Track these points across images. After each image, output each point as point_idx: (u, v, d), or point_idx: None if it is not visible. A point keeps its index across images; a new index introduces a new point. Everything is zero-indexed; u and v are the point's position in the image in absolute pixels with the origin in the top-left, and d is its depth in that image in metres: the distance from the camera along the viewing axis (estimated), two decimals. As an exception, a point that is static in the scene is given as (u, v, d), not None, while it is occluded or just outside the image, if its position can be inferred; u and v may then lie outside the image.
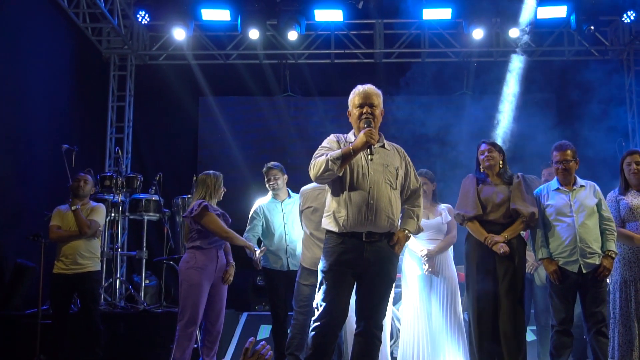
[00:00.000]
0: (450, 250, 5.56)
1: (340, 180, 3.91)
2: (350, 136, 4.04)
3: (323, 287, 3.89)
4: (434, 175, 5.66)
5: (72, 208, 5.68)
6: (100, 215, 5.89)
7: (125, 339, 6.53)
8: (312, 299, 4.41)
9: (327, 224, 3.98)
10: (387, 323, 5.41)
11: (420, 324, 5.35)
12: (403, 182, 4.04)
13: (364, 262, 3.85)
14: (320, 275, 3.95)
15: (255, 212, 5.82)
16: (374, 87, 4.06)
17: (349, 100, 4.05)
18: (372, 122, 3.88)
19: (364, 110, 3.92)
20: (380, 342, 3.93)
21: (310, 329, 3.91)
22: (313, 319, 3.91)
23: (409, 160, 4.14)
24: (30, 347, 6.04)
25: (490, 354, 4.72)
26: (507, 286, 4.69)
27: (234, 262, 5.46)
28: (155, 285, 8.16)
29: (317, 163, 3.83)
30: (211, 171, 5.46)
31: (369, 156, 3.84)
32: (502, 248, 4.67)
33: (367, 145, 3.77)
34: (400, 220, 4.09)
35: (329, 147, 3.95)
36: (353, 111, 4.00)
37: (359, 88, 4.03)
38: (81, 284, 5.69)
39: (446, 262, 5.44)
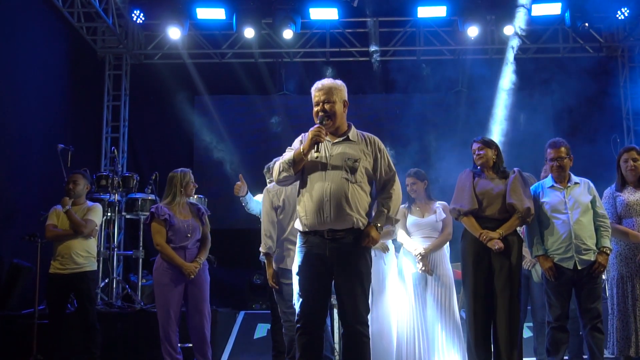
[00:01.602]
0: (447, 248, 5.55)
1: (301, 180, 3.94)
2: None
3: (297, 289, 3.92)
4: (423, 173, 5.65)
5: (64, 210, 5.66)
6: (96, 214, 5.86)
7: (122, 338, 6.53)
8: None
9: (297, 224, 4.01)
10: (392, 322, 5.44)
11: (415, 322, 5.36)
12: (372, 172, 3.97)
13: (329, 260, 3.83)
14: (295, 277, 3.98)
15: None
16: (333, 80, 4.02)
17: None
18: (326, 119, 3.88)
19: (319, 108, 3.92)
20: (368, 338, 3.86)
21: (295, 331, 3.92)
22: (295, 321, 3.93)
23: (381, 148, 4.04)
24: (26, 347, 6.03)
25: (486, 350, 4.73)
26: (502, 283, 4.69)
27: (208, 258, 5.44)
28: (151, 284, 8.13)
29: (275, 167, 3.89)
30: (179, 169, 5.44)
31: (315, 154, 3.80)
32: (496, 244, 4.65)
33: (314, 143, 3.76)
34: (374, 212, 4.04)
35: (292, 149, 3.97)
36: (314, 108, 4.00)
37: (317, 84, 4.00)
38: (77, 284, 5.66)
39: (441, 260, 5.43)
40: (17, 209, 7.37)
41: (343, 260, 3.83)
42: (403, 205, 5.66)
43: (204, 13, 9.33)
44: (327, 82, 4.00)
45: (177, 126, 10.28)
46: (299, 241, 3.97)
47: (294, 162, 3.82)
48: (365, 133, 4.09)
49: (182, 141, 10.38)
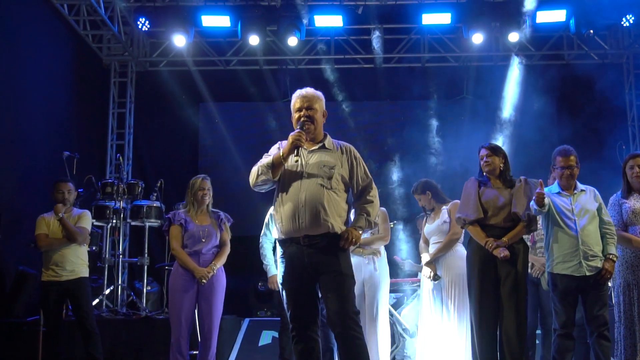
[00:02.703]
0: (461, 249, 5.51)
1: (277, 186, 3.99)
2: None
3: (284, 298, 3.95)
4: (423, 185, 5.70)
5: (57, 217, 5.64)
6: (88, 222, 5.89)
7: (127, 345, 6.53)
8: None
9: (274, 231, 4.06)
10: (386, 328, 5.48)
11: (432, 327, 5.44)
12: (348, 180, 4.00)
13: (307, 266, 3.85)
14: (280, 286, 4.01)
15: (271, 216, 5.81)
16: (315, 90, 4.10)
17: (291, 104, 4.10)
18: (307, 124, 3.94)
19: (302, 114, 3.98)
20: (360, 339, 3.84)
21: (291, 340, 3.96)
22: (290, 330, 3.96)
23: (357, 156, 4.08)
24: (32, 354, 6.04)
25: (492, 358, 4.71)
26: (508, 290, 4.69)
27: (220, 266, 5.39)
28: (157, 291, 8.16)
29: (252, 171, 3.93)
30: (194, 177, 5.50)
31: (294, 157, 3.86)
32: (502, 252, 4.66)
33: (294, 147, 3.83)
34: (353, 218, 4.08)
35: (270, 155, 4.01)
36: (294, 115, 4.05)
37: (298, 92, 4.08)
38: (74, 290, 5.66)
39: (453, 263, 5.42)
40: (23, 216, 7.37)
41: (322, 264, 3.84)
42: (419, 216, 5.81)
43: (209, 20, 9.35)
44: (310, 90, 4.09)
45: (182, 133, 10.32)
46: (279, 251, 4.01)
47: (273, 166, 3.88)
48: (340, 142, 4.14)
49: (187, 148, 10.40)
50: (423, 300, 5.63)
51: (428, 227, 5.64)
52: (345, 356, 3.83)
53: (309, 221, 3.82)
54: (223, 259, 5.40)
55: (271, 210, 5.76)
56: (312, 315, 3.92)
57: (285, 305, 3.95)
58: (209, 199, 5.46)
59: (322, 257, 3.85)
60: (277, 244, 4.02)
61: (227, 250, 5.45)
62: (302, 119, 3.96)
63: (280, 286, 3.99)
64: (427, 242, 5.67)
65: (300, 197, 3.85)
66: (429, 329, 5.48)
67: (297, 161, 3.89)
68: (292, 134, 3.86)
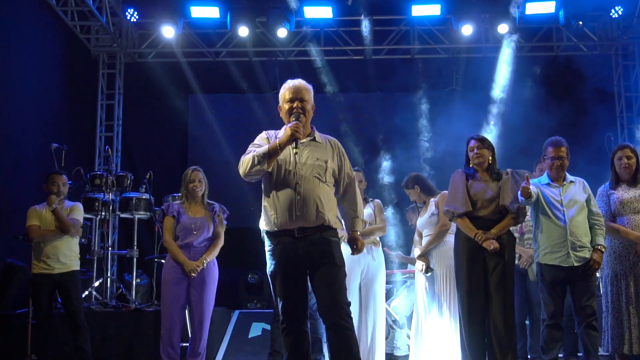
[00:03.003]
0: (452, 240, 5.50)
1: (269, 177, 3.92)
2: (282, 132, 4.00)
3: (275, 291, 3.93)
4: (411, 179, 5.73)
5: (51, 208, 5.62)
6: (81, 214, 5.86)
7: (116, 338, 6.50)
8: None
9: (262, 223, 4.00)
10: (382, 318, 5.49)
11: (426, 319, 5.45)
12: (337, 175, 4.01)
13: (301, 258, 3.83)
14: (269, 279, 3.97)
15: None
16: (305, 82, 4.06)
17: (280, 95, 4.05)
18: (301, 116, 3.88)
19: (294, 105, 3.92)
20: (352, 330, 3.83)
21: (281, 332, 3.94)
22: (280, 322, 3.94)
23: (343, 152, 4.10)
24: (21, 347, 6.00)
25: (480, 350, 4.73)
26: (496, 281, 4.70)
27: (211, 259, 5.36)
28: (146, 283, 8.14)
29: (245, 160, 3.84)
30: (188, 169, 5.49)
31: (294, 149, 3.82)
32: (492, 244, 4.67)
33: (293, 139, 3.76)
34: (345, 221, 4.12)
35: (258, 145, 3.94)
36: (284, 106, 3.99)
37: (290, 83, 4.03)
38: (65, 283, 5.64)
39: (445, 254, 5.41)
40: (11, 208, 7.33)
41: (317, 256, 3.83)
42: (410, 208, 5.82)
43: (198, 11, 9.31)
44: (301, 82, 4.05)
45: (171, 125, 10.29)
46: (267, 243, 3.95)
47: (269, 156, 3.79)
48: (327, 136, 4.13)
49: (176, 140, 10.37)
50: (417, 293, 5.63)
51: (420, 221, 5.66)
52: (336, 347, 3.81)
53: (305, 213, 3.80)
54: (215, 252, 5.38)
55: None
56: (302, 308, 3.91)
57: (275, 298, 3.93)
58: (201, 191, 5.42)
59: (316, 249, 3.83)
60: (266, 237, 3.97)
61: (220, 243, 5.43)
62: (297, 110, 3.90)
63: (270, 279, 3.95)
64: (421, 236, 5.68)
65: (297, 189, 3.82)
66: (423, 322, 5.47)
67: (296, 153, 3.84)
68: (289, 125, 3.79)
